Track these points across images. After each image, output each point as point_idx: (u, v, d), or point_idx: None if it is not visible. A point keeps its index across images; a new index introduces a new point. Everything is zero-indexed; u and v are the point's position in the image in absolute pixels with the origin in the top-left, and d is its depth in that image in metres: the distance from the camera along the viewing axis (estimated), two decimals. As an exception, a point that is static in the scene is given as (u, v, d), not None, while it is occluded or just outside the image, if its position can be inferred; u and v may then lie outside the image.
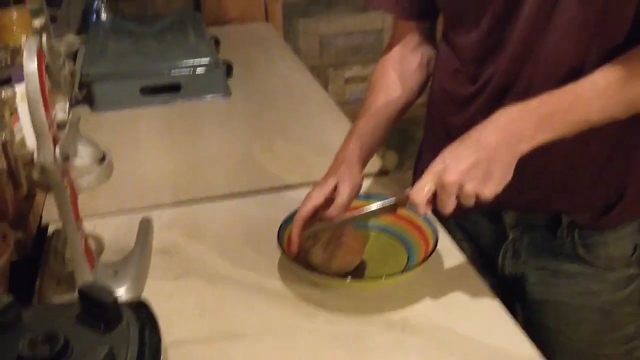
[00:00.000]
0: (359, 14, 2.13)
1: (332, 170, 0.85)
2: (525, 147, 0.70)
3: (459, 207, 0.71)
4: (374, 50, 2.18)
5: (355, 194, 0.83)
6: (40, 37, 0.67)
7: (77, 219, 0.73)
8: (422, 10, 0.91)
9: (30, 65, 0.62)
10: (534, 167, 0.79)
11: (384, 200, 0.79)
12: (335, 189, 0.81)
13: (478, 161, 0.69)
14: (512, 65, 0.78)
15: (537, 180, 0.85)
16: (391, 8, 0.93)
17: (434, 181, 0.70)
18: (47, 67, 0.68)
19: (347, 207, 0.81)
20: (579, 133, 0.72)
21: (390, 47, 0.95)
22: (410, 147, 2.14)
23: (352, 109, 2.22)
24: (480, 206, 0.92)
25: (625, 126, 0.76)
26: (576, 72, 0.73)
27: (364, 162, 0.87)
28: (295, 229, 0.80)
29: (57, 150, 0.66)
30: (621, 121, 0.73)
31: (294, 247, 0.80)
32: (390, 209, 0.78)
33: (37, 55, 0.63)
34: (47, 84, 0.68)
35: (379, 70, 0.95)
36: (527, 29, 0.75)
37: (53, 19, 1.85)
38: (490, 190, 0.70)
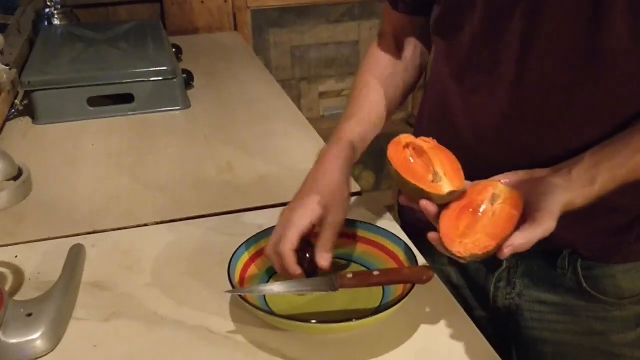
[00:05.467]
0: (333, 25, 2.03)
1: (316, 190, 0.70)
2: None
3: None
4: (350, 63, 2.08)
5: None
6: None
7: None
8: (415, 5, 0.81)
9: None
10: None
11: None
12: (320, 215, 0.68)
13: None
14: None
15: None
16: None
17: None
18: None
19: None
20: None
21: (380, 37, 0.86)
22: (388, 168, 2.04)
23: (327, 125, 2.11)
24: None
25: None
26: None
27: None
28: (289, 262, 0.66)
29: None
30: None
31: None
32: None
33: None
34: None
35: (367, 66, 0.85)
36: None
37: (4, 27, 1.72)
38: None
